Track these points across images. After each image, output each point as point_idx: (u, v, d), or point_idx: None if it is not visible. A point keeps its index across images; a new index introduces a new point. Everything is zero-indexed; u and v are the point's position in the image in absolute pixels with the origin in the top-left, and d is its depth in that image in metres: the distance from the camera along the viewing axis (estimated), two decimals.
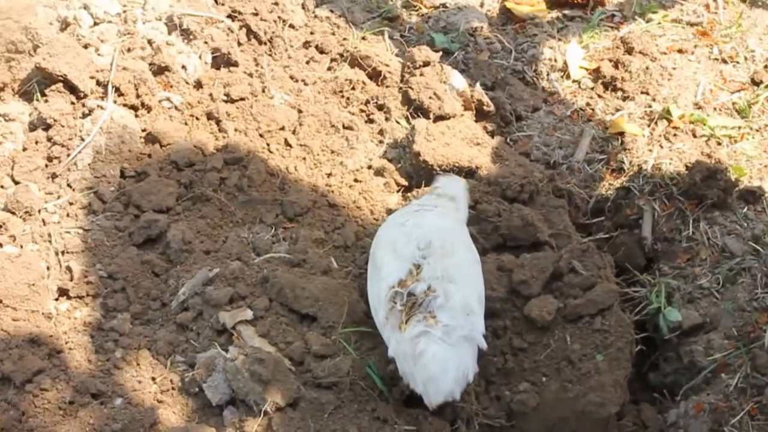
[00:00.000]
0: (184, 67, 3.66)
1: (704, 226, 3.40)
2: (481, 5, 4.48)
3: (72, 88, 3.47)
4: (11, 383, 2.72)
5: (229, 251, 3.14)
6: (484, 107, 3.78)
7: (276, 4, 3.96)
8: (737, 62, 4.10)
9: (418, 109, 3.69)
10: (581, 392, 2.88)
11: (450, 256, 2.77)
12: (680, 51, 4.14)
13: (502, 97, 3.93)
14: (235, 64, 3.73)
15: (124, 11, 3.80)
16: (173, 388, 2.78)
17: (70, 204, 3.22)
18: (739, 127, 3.79)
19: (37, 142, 3.37)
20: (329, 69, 3.87)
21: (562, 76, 4.14)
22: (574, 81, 4.11)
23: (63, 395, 2.70)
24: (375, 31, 4.11)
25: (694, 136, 3.75)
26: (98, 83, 3.50)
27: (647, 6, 4.39)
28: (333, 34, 4.00)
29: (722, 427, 2.88)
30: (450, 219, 3.01)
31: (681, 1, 4.40)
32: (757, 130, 3.78)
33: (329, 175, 3.48)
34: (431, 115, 3.65)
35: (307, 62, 3.87)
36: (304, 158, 3.51)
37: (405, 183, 3.52)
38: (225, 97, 3.60)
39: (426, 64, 3.78)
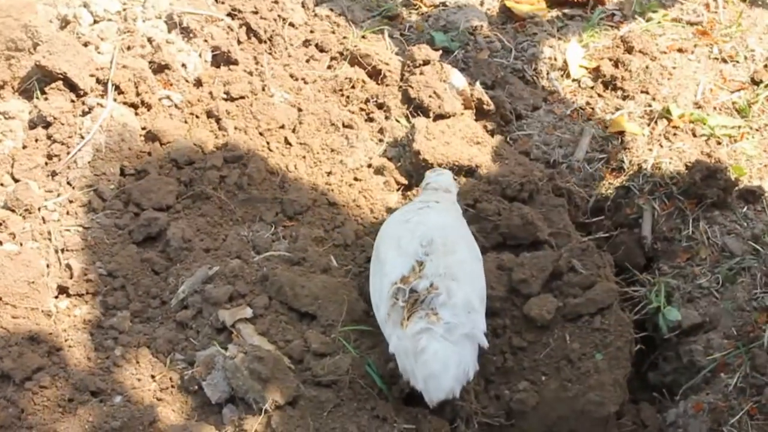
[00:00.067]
0: (184, 65, 3.66)
1: (704, 226, 3.40)
2: (481, 4, 4.48)
3: (72, 86, 3.47)
4: (11, 380, 2.71)
5: (228, 249, 3.14)
6: (484, 106, 3.78)
7: (276, 2, 3.96)
8: (737, 62, 4.10)
9: (418, 108, 3.69)
10: (580, 391, 2.88)
11: (452, 254, 2.77)
12: (680, 50, 4.15)
13: (502, 95, 3.93)
14: (235, 63, 3.73)
15: (124, 9, 3.80)
16: (173, 386, 2.78)
17: (70, 202, 3.22)
18: (739, 127, 3.79)
19: (36, 140, 3.37)
20: (329, 67, 3.87)
21: (562, 75, 4.14)
22: (574, 80, 4.11)
23: (62, 393, 2.70)
24: (375, 29, 4.11)
25: (694, 135, 3.75)
26: (98, 81, 3.50)
27: (647, 5, 4.39)
28: (333, 32, 4.00)
29: (721, 426, 2.88)
30: (451, 216, 3.01)
31: (681, 1, 4.40)
32: (757, 130, 3.79)
33: (329, 173, 3.48)
34: (431, 114, 3.65)
35: (307, 61, 3.87)
36: (304, 157, 3.51)
37: (405, 182, 3.52)
38: (225, 96, 3.59)
39: (426, 62, 3.78)
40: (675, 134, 3.75)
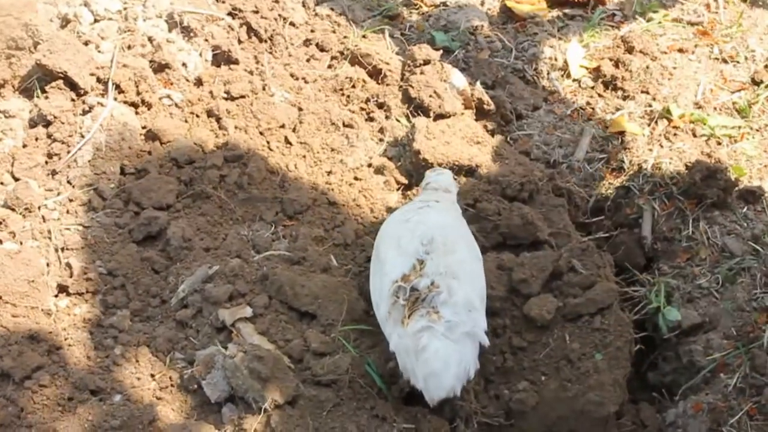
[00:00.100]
0: (184, 64, 3.66)
1: (704, 226, 3.40)
2: (482, 4, 4.48)
3: (72, 85, 3.47)
4: (10, 379, 2.71)
5: (228, 249, 3.14)
6: (485, 106, 3.78)
7: (276, 1, 3.96)
8: (737, 62, 4.10)
9: (419, 108, 3.69)
10: (580, 391, 2.88)
11: (452, 253, 2.77)
12: (681, 50, 4.15)
13: (502, 95, 3.93)
14: (236, 62, 3.73)
15: (125, 8, 3.80)
16: (172, 385, 2.78)
17: (70, 201, 3.22)
18: (739, 127, 3.79)
19: (37, 139, 3.37)
20: (330, 67, 3.87)
21: (562, 75, 4.14)
22: (574, 80, 4.11)
23: (62, 391, 2.70)
24: (375, 29, 4.11)
25: (694, 135, 3.75)
26: (98, 80, 3.50)
27: (648, 5, 4.39)
28: (333, 32, 4.00)
29: (721, 426, 2.88)
30: (451, 215, 3.02)
31: (682, 1, 4.41)
32: (757, 130, 3.79)
33: (329, 173, 3.48)
34: (431, 114, 3.65)
35: (308, 60, 3.87)
36: (304, 156, 3.52)
37: (405, 181, 3.52)
38: (225, 95, 3.60)
39: (426, 62, 3.78)
40: (675, 134, 3.75)
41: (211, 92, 3.61)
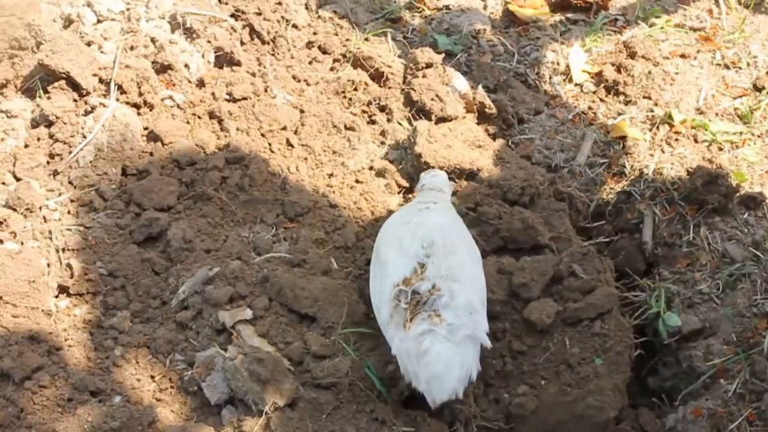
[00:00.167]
0: (186, 65, 3.67)
1: (705, 232, 3.40)
2: (485, 8, 4.48)
3: (74, 86, 3.47)
4: (10, 380, 2.71)
5: (229, 250, 3.14)
6: (486, 110, 3.78)
7: (279, 3, 3.96)
8: (739, 68, 4.10)
9: (420, 111, 3.69)
10: (580, 396, 2.88)
11: (453, 255, 2.78)
12: (683, 56, 4.14)
13: (504, 99, 3.93)
14: (238, 64, 3.73)
15: (128, 9, 3.80)
16: (172, 387, 2.78)
17: (71, 201, 3.22)
18: (741, 133, 3.79)
19: (39, 139, 3.37)
20: (332, 69, 3.88)
21: (564, 80, 4.14)
22: (576, 84, 4.11)
23: (62, 392, 2.70)
24: (378, 32, 4.12)
25: (696, 141, 3.75)
26: (101, 81, 3.51)
27: (650, 10, 4.39)
28: (336, 34, 4.00)
29: None
30: (450, 216, 3.02)
31: (684, 6, 4.40)
32: (759, 136, 3.79)
33: (330, 175, 3.48)
34: (433, 117, 3.65)
35: (310, 62, 3.87)
36: (306, 158, 3.52)
37: (406, 184, 3.52)
38: (227, 97, 3.60)
39: (428, 65, 3.78)
40: (677, 140, 3.75)
41: (213, 94, 3.61)
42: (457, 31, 4.28)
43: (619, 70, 4.03)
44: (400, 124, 3.69)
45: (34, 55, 3.54)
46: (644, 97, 3.95)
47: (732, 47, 4.18)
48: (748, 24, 4.29)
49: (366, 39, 4.03)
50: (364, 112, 3.72)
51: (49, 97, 3.45)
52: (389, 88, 3.78)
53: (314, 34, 3.97)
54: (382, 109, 3.72)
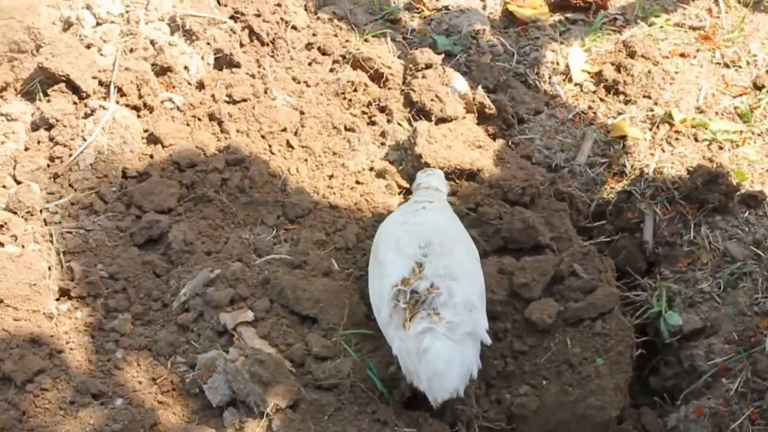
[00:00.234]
0: (186, 67, 3.67)
1: (705, 231, 3.40)
2: (484, 8, 4.48)
3: (74, 88, 3.47)
4: (12, 383, 2.71)
5: (230, 252, 3.14)
6: (486, 110, 3.79)
7: (279, 5, 3.96)
8: (739, 66, 4.10)
9: (420, 112, 3.69)
10: (581, 396, 2.88)
11: (450, 254, 2.78)
12: (682, 55, 4.15)
13: (503, 99, 3.93)
14: (238, 65, 3.73)
15: (127, 12, 3.80)
16: (174, 389, 2.78)
17: (72, 204, 3.22)
18: (741, 132, 3.79)
19: (39, 142, 3.37)
20: (331, 71, 3.88)
21: (564, 80, 4.14)
22: (576, 84, 4.11)
23: (63, 395, 2.70)
24: (377, 33, 4.12)
25: (696, 140, 3.75)
26: (101, 83, 3.51)
27: (650, 10, 4.39)
28: (335, 35, 4.00)
29: (722, 431, 2.88)
30: (446, 215, 3.03)
31: (683, 5, 4.40)
32: (759, 135, 3.79)
33: (331, 176, 3.48)
34: (433, 118, 3.65)
35: (310, 64, 3.87)
36: (306, 160, 3.52)
37: (407, 185, 3.52)
38: (227, 98, 3.60)
39: (428, 66, 3.78)
40: (677, 139, 3.76)
41: (213, 96, 3.61)
42: (456, 31, 4.28)
43: (618, 70, 4.03)
44: (400, 124, 3.69)
45: (33, 58, 3.55)
46: (644, 97, 3.95)
47: (731, 46, 4.18)
48: (747, 22, 4.29)
49: (365, 40, 4.03)
50: (364, 113, 3.72)
51: (48, 100, 3.46)
52: (389, 89, 3.78)
53: (314, 35, 3.97)
54: (382, 110, 3.72)
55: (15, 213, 3.16)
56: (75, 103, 3.47)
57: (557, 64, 4.19)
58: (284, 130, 3.54)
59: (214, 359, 2.76)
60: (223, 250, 3.16)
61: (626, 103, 3.96)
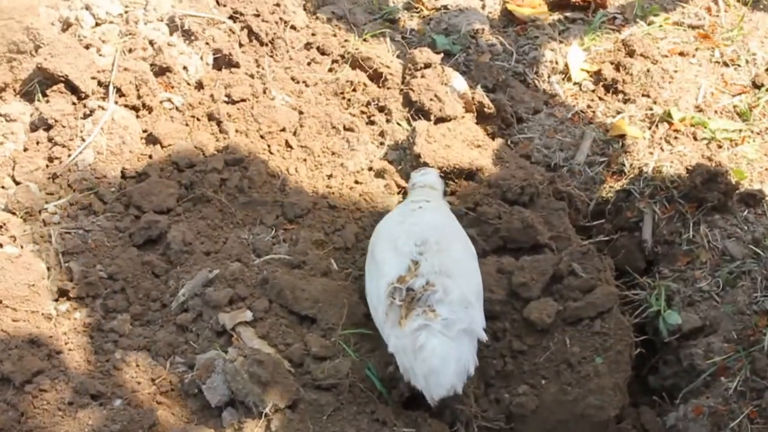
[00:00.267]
0: (185, 68, 3.67)
1: (704, 229, 3.40)
2: (483, 7, 4.48)
3: (73, 89, 3.47)
4: (11, 384, 2.71)
5: (229, 252, 3.15)
6: (485, 109, 3.78)
7: (277, 5, 3.96)
8: (738, 65, 4.10)
9: (419, 111, 3.69)
10: (580, 395, 2.88)
11: (446, 252, 2.79)
12: (681, 54, 4.14)
13: (503, 99, 3.93)
14: (237, 65, 3.73)
15: (126, 12, 3.80)
16: (172, 390, 2.78)
17: (71, 204, 3.22)
18: (740, 130, 3.78)
19: (38, 143, 3.37)
20: (330, 70, 3.88)
21: (563, 79, 4.14)
22: (575, 83, 4.11)
23: (62, 396, 2.70)
24: (376, 32, 4.12)
25: (695, 139, 3.75)
26: (99, 84, 3.51)
27: (649, 9, 4.39)
28: (334, 35, 4.00)
29: (721, 430, 2.88)
30: (442, 213, 3.04)
31: (682, 4, 4.40)
32: (758, 133, 3.78)
33: (330, 176, 3.48)
34: (432, 117, 3.65)
35: (308, 63, 3.87)
36: (305, 160, 3.52)
37: (405, 185, 3.52)
38: (226, 98, 3.60)
39: (427, 65, 3.78)
40: (676, 138, 3.75)
41: (211, 96, 3.61)
42: (455, 30, 4.28)
43: (617, 69, 4.03)
44: (399, 124, 3.68)
45: (32, 58, 3.55)
46: (643, 96, 3.95)
47: (731, 44, 4.18)
48: (746, 21, 4.28)
49: (364, 40, 4.03)
50: (362, 112, 3.72)
51: (47, 101, 3.46)
52: (388, 88, 3.78)
53: (312, 35, 3.97)
54: (381, 109, 3.72)
55: (14, 213, 3.17)
56: (74, 103, 3.47)
57: (556, 63, 4.19)
58: (283, 129, 3.54)
59: (212, 359, 2.76)
60: (222, 250, 3.16)
61: (625, 102, 3.96)
